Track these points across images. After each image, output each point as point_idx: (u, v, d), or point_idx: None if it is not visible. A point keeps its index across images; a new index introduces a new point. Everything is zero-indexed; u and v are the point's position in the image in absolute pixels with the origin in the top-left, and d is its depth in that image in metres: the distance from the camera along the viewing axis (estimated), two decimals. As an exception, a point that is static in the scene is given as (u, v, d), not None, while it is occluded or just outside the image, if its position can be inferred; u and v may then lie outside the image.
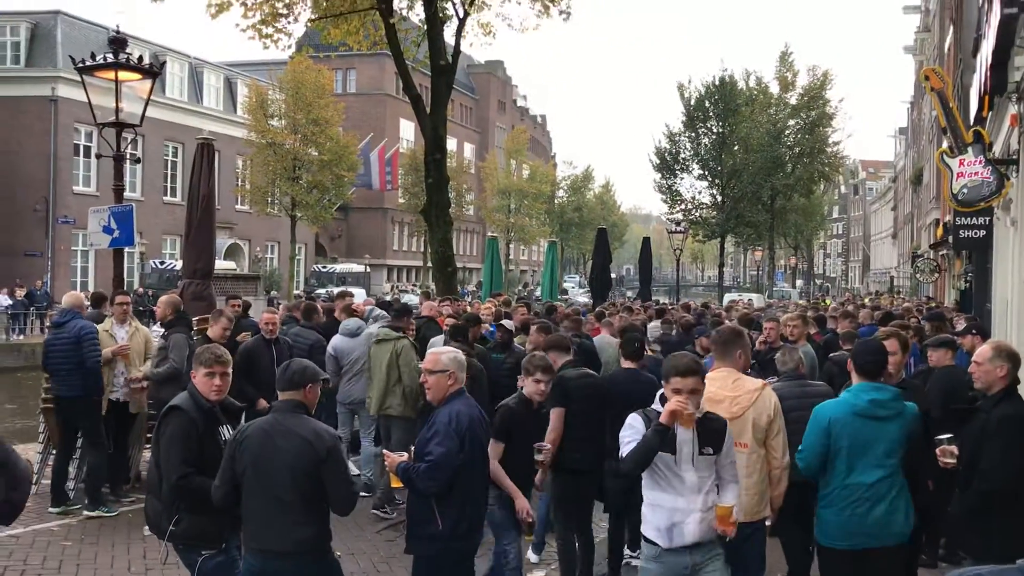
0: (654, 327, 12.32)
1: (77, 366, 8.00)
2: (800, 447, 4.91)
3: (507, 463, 5.56)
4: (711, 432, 4.34)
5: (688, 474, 4.25)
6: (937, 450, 4.98)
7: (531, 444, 5.68)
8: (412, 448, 4.79)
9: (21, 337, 29.61)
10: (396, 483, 4.76)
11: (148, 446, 9.08)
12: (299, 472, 4.17)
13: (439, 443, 4.56)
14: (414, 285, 52.07)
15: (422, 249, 52.71)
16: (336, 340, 9.37)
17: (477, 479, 4.81)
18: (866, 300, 28.98)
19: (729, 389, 4.99)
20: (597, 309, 14.50)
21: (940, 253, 31.66)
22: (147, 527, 5.22)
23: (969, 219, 14.66)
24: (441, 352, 4.92)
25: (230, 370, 4.78)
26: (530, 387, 5.81)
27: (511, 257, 67.61)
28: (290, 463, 4.17)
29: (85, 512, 8.06)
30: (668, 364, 4.40)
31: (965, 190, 10.98)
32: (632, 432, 4.30)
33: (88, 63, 10.35)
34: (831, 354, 8.88)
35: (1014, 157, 10.81)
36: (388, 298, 32.37)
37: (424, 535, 4.68)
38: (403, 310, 9.44)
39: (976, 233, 14.85)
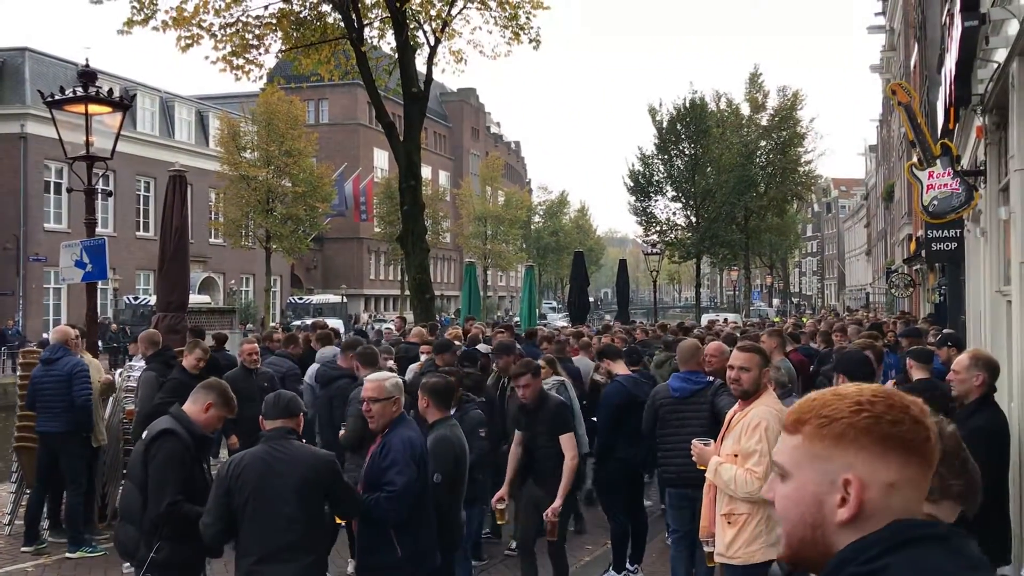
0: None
1: (69, 403, 7.94)
2: None
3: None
4: None
5: None
6: None
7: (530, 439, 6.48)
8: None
9: (-7, 377, 29.15)
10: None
11: (124, 481, 8.95)
12: (305, 496, 4.23)
13: (399, 472, 4.51)
14: (386, 314, 51.86)
15: (399, 277, 52.54)
16: (313, 369, 9.28)
17: (427, 502, 4.80)
18: (834, 316, 29.09)
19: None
20: (578, 331, 14.52)
21: (914, 268, 31.94)
22: (125, 564, 5.10)
23: (941, 232, 14.80)
24: (384, 379, 4.85)
25: None
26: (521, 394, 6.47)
27: (489, 283, 67.57)
28: (296, 488, 4.20)
29: (67, 553, 7.92)
30: None
31: (935, 202, 11.08)
32: None
33: (58, 97, 10.27)
34: (823, 367, 8.96)
35: (981, 168, 10.93)
36: (365, 328, 32.23)
37: (382, 565, 4.60)
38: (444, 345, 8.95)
39: (948, 245, 14.99)
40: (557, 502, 6.20)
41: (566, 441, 6.36)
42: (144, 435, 4.64)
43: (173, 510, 4.36)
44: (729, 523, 4.76)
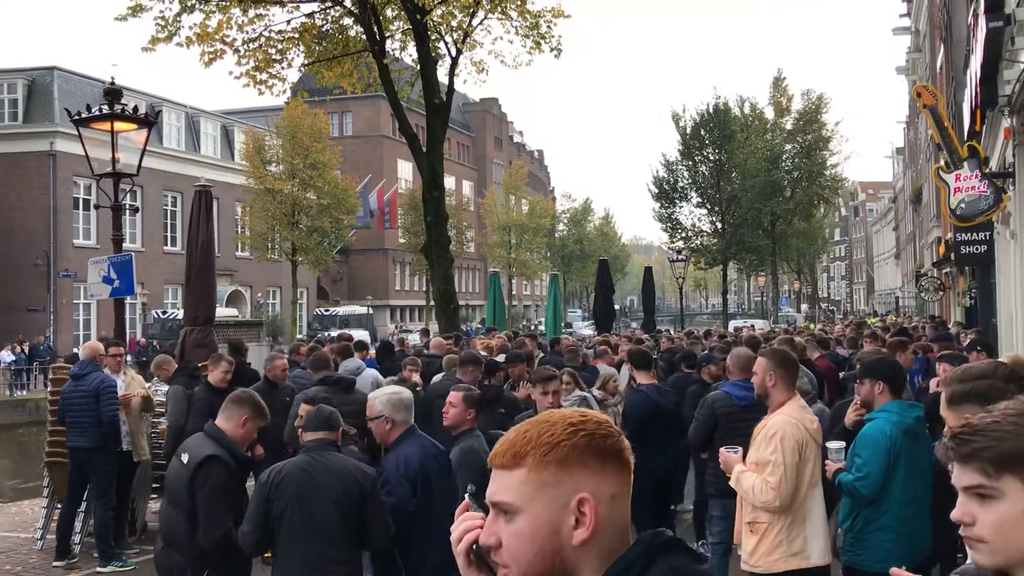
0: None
1: (97, 418, 7.99)
2: (861, 472, 4.55)
3: None
4: None
5: None
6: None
7: None
8: None
9: (24, 393, 29.52)
10: None
11: (154, 496, 9.02)
12: (344, 507, 4.20)
13: (389, 492, 4.46)
14: (412, 325, 51.95)
15: (424, 288, 52.66)
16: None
17: (437, 520, 4.58)
18: (869, 320, 28.83)
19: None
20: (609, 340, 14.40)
21: (943, 271, 31.58)
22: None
23: (970, 235, 14.63)
24: (375, 397, 4.79)
25: None
26: (541, 402, 6.00)
27: (513, 292, 67.59)
28: (336, 498, 4.19)
29: (98, 568, 7.96)
30: None
31: (963, 205, 10.96)
32: None
33: (84, 115, 10.39)
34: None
35: (1010, 170, 10.80)
36: (390, 338, 32.25)
37: None
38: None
39: (977, 248, 14.82)
40: None
41: None
42: (185, 458, 4.58)
43: (227, 539, 4.35)
44: (752, 531, 4.73)
